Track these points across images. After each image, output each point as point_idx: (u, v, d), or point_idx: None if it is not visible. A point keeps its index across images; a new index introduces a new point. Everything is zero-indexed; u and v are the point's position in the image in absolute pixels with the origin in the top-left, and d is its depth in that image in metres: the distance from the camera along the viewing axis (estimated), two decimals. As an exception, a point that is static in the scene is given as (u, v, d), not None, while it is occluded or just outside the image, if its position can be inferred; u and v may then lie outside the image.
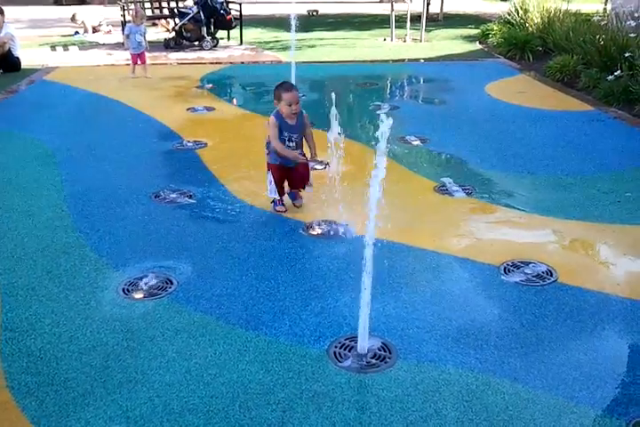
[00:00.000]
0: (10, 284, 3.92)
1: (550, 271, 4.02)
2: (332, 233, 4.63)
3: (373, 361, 3.21)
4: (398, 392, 2.98)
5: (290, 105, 4.53)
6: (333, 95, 4.94)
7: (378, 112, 8.08)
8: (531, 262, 4.13)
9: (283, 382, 3.05)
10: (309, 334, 3.42)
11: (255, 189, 5.44)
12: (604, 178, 5.59)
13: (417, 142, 6.77)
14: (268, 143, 4.74)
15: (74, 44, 13.46)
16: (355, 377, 3.09)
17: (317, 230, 4.68)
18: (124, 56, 12.07)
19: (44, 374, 3.11)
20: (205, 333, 3.42)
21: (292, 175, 4.90)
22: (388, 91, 9.19)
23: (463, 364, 3.17)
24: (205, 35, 12.68)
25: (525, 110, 7.98)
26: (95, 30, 14.65)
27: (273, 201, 4.93)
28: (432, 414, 2.84)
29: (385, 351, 3.29)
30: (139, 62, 9.90)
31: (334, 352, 3.28)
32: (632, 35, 8.82)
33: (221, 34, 13.40)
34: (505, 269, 4.08)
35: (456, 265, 4.15)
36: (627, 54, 8.28)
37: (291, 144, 4.70)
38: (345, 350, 3.29)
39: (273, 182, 4.77)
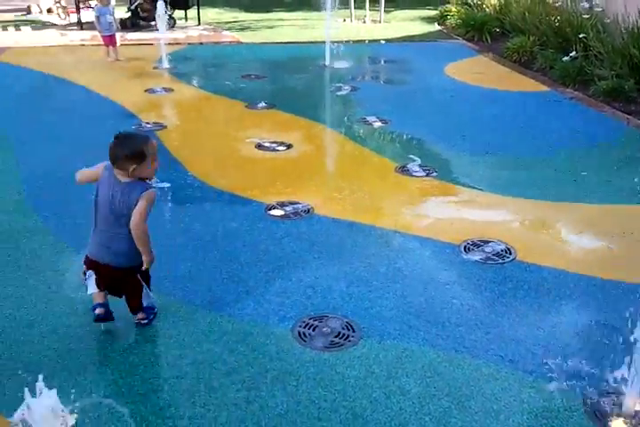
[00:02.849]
0: (-34, 269, 3.83)
1: (509, 250, 4.11)
2: (292, 214, 4.63)
3: (337, 340, 3.25)
4: (362, 370, 3.02)
5: (155, 160, 3.07)
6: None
7: (338, 93, 8.08)
8: (490, 241, 4.21)
9: (247, 361, 3.07)
10: (274, 314, 3.44)
11: (216, 170, 5.41)
12: (560, 157, 5.71)
13: (378, 123, 6.80)
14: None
15: (26, 25, 13.04)
16: (319, 356, 3.13)
17: (279, 211, 4.67)
18: (79, 36, 11.78)
19: (5, 358, 3.07)
20: (169, 314, 3.41)
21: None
22: (348, 72, 9.16)
23: (425, 341, 3.23)
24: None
25: (484, 91, 8.07)
26: (50, 11, 14.20)
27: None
28: (395, 390, 2.90)
29: (349, 330, 3.33)
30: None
31: (298, 332, 3.30)
32: (586, 16, 8.96)
33: (179, 14, 13.15)
34: (465, 247, 4.15)
35: (417, 244, 4.21)
36: (581, 35, 8.42)
37: None
38: (309, 329, 3.32)
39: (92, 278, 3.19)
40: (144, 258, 3.10)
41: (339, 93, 8.07)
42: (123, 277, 3.18)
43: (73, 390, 2.76)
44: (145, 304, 3.31)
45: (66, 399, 2.72)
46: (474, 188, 5.09)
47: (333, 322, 3.39)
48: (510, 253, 4.06)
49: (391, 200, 4.95)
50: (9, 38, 11.53)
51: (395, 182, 5.28)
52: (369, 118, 6.93)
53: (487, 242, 4.20)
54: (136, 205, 2.99)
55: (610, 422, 2.73)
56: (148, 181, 3.10)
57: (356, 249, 4.14)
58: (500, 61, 9.66)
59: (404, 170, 5.48)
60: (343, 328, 3.34)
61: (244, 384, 2.92)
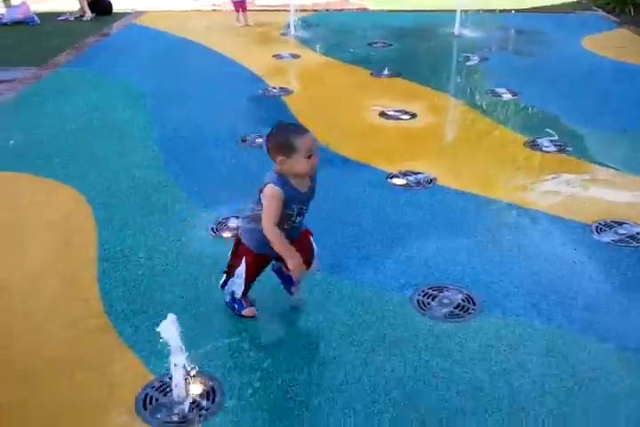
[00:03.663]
0: (105, 219, 4.09)
1: (643, 233, 3.87)
2: (415, 183, 4.57)
3: (457, 311, 3.20)
4: (482, 343, 2.97)
5: (309, 157, 2.73)
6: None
7: (467, 63, 7.84)
8: (624, 223, 3.97)
9: (366, 325, 3.09)
10: (393, 282, 3.44)
11: (339, 137, 5.42)
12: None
13: (507, 95, 6.54)
14: (254, 221, 2.88)
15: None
16: (438, 326, 3.10)
17: (401, 180, 4.63)
18: (211, 1, 12.10)
19: (139, 302, 3.27)
20: (291, 274, 3.49)
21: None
22: (478, 42, 8.84)
23: (550, 320, 3.12)
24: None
25: (624, 66, 7.54)
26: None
27: (233, 300, 3.16)
28: (515, 367, 2.83)
29: (469, 303, 3.27)
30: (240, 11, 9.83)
31: (417, 300, 3.29)
32: None
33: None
34: (597, 228, 3.94)
35: (545, 222, 4.05)
36: None
37: (297, 221, 2.93)
38: (429, 298, 3.30)
39: (243, 276, 3.03)
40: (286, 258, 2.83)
41: (467, 63, 7.83)
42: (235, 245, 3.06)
43: (198, 336, 2.91)
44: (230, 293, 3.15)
45: (192, 343, 2.88)
46: (609, 166, 4.80)
47: (453, 293, 3.34)
48: (647, 238, 3.83)
49: (519, 175, 4.77)
50: (146, 2, 12.02)
51: (524, 157, 5.07)
52: (498, 90, 6.68)
53: (621, 223, 3.96)
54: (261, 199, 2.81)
55: None
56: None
57: (479, 222, 4.04)
58: (645, 34, 8.98)
59: (534, 144, 5.26)
60: (463, 300, 3.29)
61: (362, 346, 2.95)
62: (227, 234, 3.89)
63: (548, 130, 5.51)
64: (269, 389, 2.71)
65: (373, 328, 3.07)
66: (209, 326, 3.09)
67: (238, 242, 3.03)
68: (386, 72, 7.37)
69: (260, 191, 2.80)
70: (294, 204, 2.82)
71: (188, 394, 2.65)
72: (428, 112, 6.13)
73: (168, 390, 2.68)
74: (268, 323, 3.14)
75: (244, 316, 3.13)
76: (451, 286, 3.40)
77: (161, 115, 6.00)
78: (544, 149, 5.18)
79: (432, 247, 3.76)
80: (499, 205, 4.26)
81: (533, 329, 3.07)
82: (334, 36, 9.53)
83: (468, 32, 9.23)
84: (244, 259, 2.99)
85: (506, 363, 2.85)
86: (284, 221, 2.83)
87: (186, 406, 2.61)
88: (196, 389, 2.70)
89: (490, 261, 3.62)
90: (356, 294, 3.33)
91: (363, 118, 5.95)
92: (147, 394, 2.69)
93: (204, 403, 2.64)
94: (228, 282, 3.10)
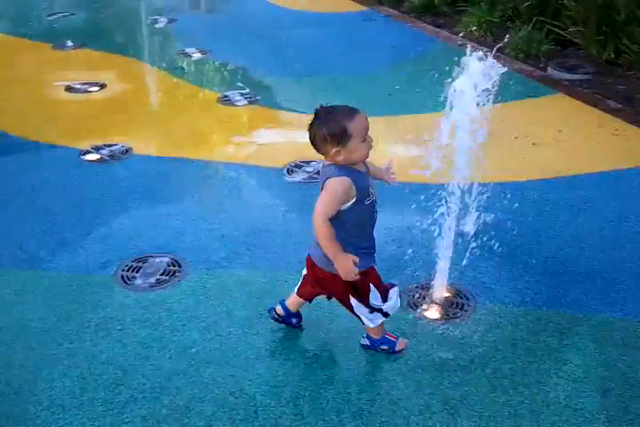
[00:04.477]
0: None
1: (330, 167, 4.17)
2: (109, 156, 4.38)
3: (164, 278, 3.17)
4: (189, 303, 2.98)
5: (365, 140, 2.26)
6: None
7: (155, 26, 7.66)
8: (312, 161, 4.24)
9: (67, 315, 2.91)
10: (93, 263, 3.28)
11: (21, 118, 4.97)
12: (376, 74, 5.81)
13: (197, 55, 6.55)
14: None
15: None
16: (144, 296, 3.04)
17: (94, 156, 4.40)
18: None
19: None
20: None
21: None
22: (165, 3, 8.67)
23: (251, 265, 3.24)
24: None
25: (305, 15, 7.98)
26: None
27: (382, 339, 2.68)
28: (224, 316, 2.89)
29: (175, 266, 3.25)
30: None
31: (122, 276, 3.18)
32: None
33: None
34: (288, 170, 4.16)
35: (243, 172, 4.16)
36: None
37: (376, 217, 2.43)
38: (133, 271, 3.21)
39: (377, 295, 2.49)
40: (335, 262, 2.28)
41: (156, 26, 7.65)
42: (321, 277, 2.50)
43: None
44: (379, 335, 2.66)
45: None
46: (295, 111, 5.07)
47: (158, 261, 3.29)
48: (331, 171, 4.13)
49: (214, 132, 4.83)
50: None
51: (217, 113, 5.14)
52: (188, 50, 6.65)
53: (309, 162, 4.22)
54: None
55: (424, 312, 2.91)
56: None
57: (180, 185, 4.02)
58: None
59: (225, 100, 5.34)
60: (169, 265, 3.26)
61: (65, 338, 2.77)
62: None
63: (238, 84, 5.63)
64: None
65: (75, 316, 2.90)
66: None
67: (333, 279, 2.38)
68: (69, 44, 6.90)
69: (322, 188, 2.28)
70: (370, 188, 2.32)
71: None
72: (119, 81, 5.89)
73: None
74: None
75: (397, 352, 2.67)
76: (155, 254, 3.34)
77: None
78: (236, 103, 5.29)
79: (133, 219, 3.65)
80: (198, 165, 4.27)
81: (238, 276, 3.16)
82: (6, 10, 8.65)
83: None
84: (370, 286, 2.45)
85: (214, 315, 2.90)
86: (372, 214, 2.37)
87: None
88: None
89: (192, 221, 3.63)
90: (53, 285, 3.11)
91: (46, 96, 5.52)
92: None
93: None
94: (366, 318, 2.53)
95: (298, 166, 4.19)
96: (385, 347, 2.67)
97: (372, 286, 2.45)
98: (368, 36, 6.98)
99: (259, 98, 5.34)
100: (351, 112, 2.22)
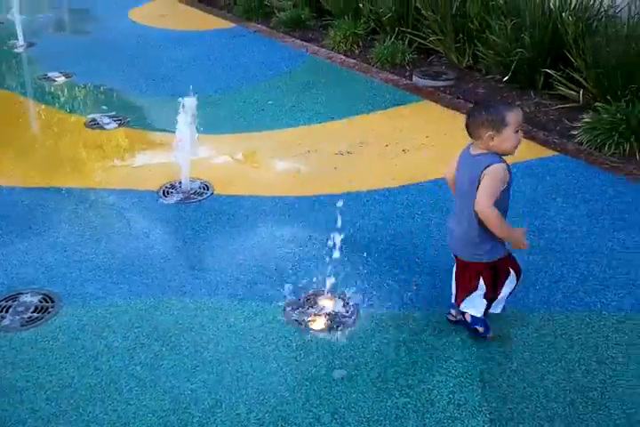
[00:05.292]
0: None
1: (206, 186, 4.12)
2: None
3: (35, 315, 2.99)
4: (64, 339, 2.83)
5: (518, 131, 2.49)
6: None
7: (14, 51, 7.29)
8: (194, 181, 4.16)
9: None
10: (-45, 305, 3.05)
11: None
12: (248, 90, 5.83)
13: (62, 78, 6.29)
14: (479, 222, 2.52)
15: None
16: (17, 336, 2.86)
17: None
18: None
19: None
20: None
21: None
22: (25, 26, 8.26)
23: (130, 292, 3.13)
24: None
25: (171, 33, 7.87)
26: None
27: (483, 324, 2.81)
28: (103, 350, 2.77)
29: (47, 302, 3.08)
30: None
31: (-12, 317, 2.98)
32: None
33: None
34: (164, 191, 4.07)
35: (117, 198, 4.03)
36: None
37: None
38: (3, 312, 3.01)
39: (514, 278, 2.74)
40: (508, 241, 2.60)
41: (15, 50, 7.29)
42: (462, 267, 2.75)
43: None
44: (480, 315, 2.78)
45: None
46: (167, 131, 4.96)
47: (30, 297, 3.11)
48: (208, 189, 4.08)
49: (84, 157, 4.65)
50: None
51: (87, 138, 4.95)
52: (51, 74, 6.37)
53: (193, 180, 4.14)
54: (480, 182, 2.47)
55: (308, 323, 2.93)
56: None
57: (50, 216, 3.82)
58: (185, 1, 9.47)
59: (94, 124, 5.16)
60: (41, 301, 3.09)
61: None
62: None
63: (103, 107, 5.46)
64: None
65: (-63, 365, 2.69)
66: None
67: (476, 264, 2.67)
68: None
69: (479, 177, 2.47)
70: (510, 185, 2.56)
71: None
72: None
73: None
74: None
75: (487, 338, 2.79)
76: (26, 291, 3.16)
77: None
78: (105, 126, 5.12)
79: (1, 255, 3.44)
80: (69, 193, 4.09)
81: (116, 306, 3.04)
82: None
83: (11, 17, 8.55)
84: (510, 270, 2.69)
85: (92, 350, 2.77)
86: (509, 205, 2.61)
87: None
88: None
89: (63, 252, 3.46)
90: None
91: None
92: None
93: None
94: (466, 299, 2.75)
95: (173, 187, 4.11)
96: (481, 328, 2.78)
97: (511, 270, 2.69)
98: (238, 52, 6.98)
99: (129, 120, 5.20)
100: (510, 105, 2.56)
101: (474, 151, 2.55)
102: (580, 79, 5.07)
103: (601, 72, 4.86)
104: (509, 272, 2.69)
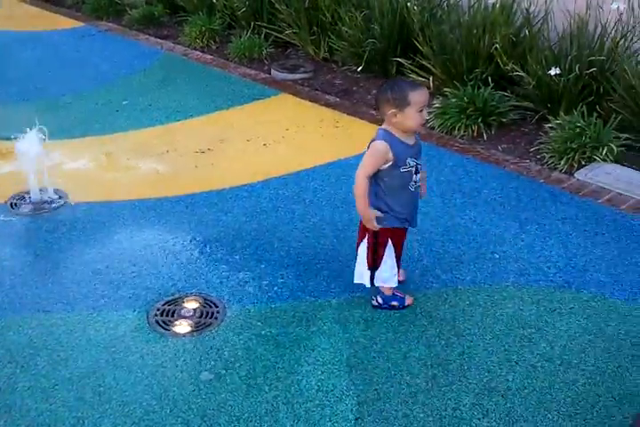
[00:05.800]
0: None
1: (59, 195, 3.91)
2: None
3: None
4: None
5: (422, 111, 2.61)
6: None
7: None
8: (42, 189, 3.93)
9: None
10: None
11: None
12: (100, 91, 5.58)
13: None
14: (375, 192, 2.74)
15: None
16: None
17: None
18: None
19: None
20: None
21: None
22: None
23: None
24: None
25: (15, 34, 7.37)
26: None
27: (393, 297, 2.96)
28: None
29: None
30: None
31: None
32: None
33: None
34: (12, 204, 3.82)
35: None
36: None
37: (417, 180, 2.76)
38: None
39: (393, 258, 2.86)
40: (361, 215, 2.75)
41: None
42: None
43: None
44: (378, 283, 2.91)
45: None
46: (12, 138, 4.64)
47: None
48: (61, 198, 3.88)
49: None
50: None
51: None
52: None
53: (44, 190, 3.90)
54: None
55: (174, 328, 2.86)
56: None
57: None
58: (30, 1, 8.91)
59: None
60: None
61: None
62: None
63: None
64: None
65: None
66: None
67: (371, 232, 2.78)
68: None
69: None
70: (408, 157, 2.68)
71: None
72: None
73: None
74: None
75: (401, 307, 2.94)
76: None
77: None
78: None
79: None
80: None
81: None
82: None
83: None
84: (388, 241, 2.80)
85: None
86: (406, 184, 2.71)
87: None
88: None
89: None
90: None
91: None
92: None
93: None
94: (375, 275, 2.87)
95: (22, 198, 3.87)
96: (395, 303, 2.94)
97: (390, 240, 2.79)
98: (89, 52, 6.67)
99: (-29, 130, 4.83)
100: (416, 85, 2.70)
101: (383, 126, 2.73)
102: (429, 66, 5.28)
103: (447, 58, 5.09)
104: (387, 243, 2.81)
